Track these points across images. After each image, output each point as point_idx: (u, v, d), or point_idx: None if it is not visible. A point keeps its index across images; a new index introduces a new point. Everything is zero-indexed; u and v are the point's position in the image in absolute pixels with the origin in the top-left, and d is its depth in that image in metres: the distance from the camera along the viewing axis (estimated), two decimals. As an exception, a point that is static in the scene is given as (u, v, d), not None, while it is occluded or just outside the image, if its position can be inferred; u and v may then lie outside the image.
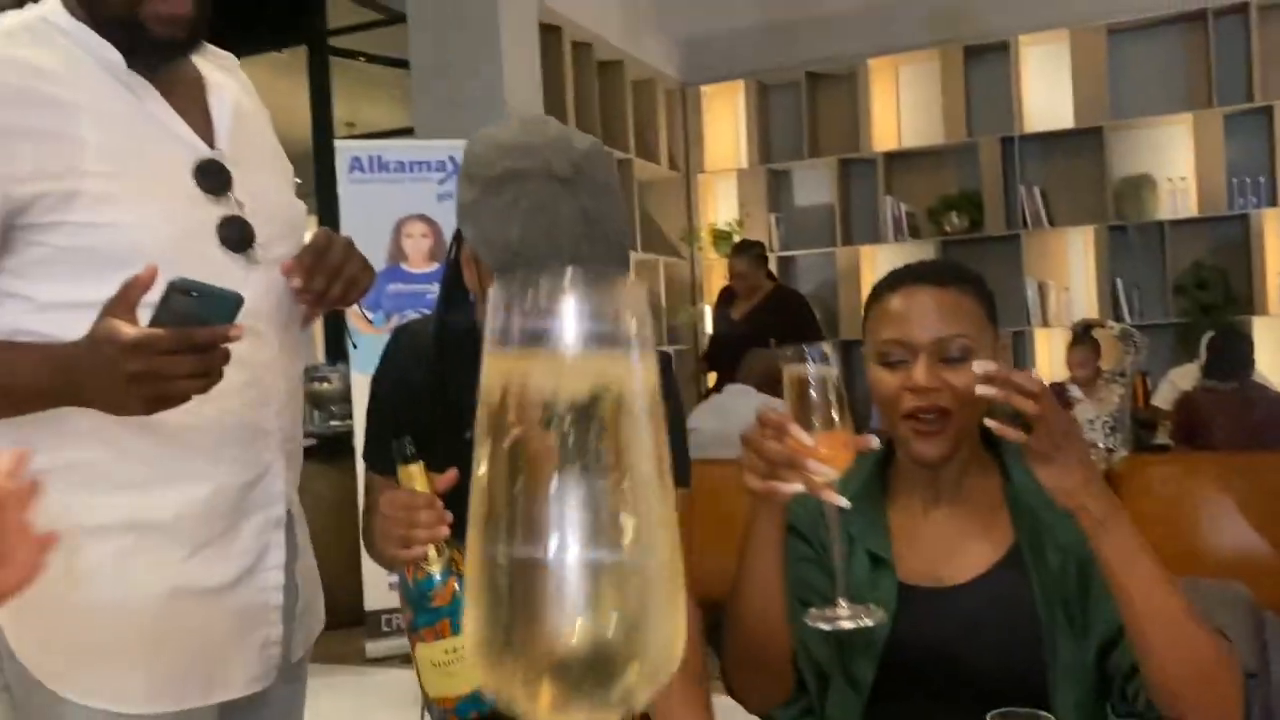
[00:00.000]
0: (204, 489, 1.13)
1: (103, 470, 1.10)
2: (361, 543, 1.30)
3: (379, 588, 3.74)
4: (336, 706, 3.22)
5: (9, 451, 0.74)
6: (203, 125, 1.16)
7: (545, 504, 0.38)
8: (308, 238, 1.21)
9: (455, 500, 1.03)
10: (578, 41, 5.10)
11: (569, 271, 0.39)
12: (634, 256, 5.09)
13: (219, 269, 1.09)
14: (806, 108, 6.08)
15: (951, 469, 1.17)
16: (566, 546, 0.37)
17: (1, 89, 1.04)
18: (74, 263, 1.06)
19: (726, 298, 5.19)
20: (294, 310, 1.22)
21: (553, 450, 0.38)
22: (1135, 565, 0.99)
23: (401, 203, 3.89)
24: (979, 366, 0.98)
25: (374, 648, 3.87)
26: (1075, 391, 4.01)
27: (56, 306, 1.06)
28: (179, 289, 0.97)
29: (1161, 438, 4.47)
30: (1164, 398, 4.62)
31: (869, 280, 5.73)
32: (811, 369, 1.00)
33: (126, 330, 0.95)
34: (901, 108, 6.04)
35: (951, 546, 1.16)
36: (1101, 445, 3.71)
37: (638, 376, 0.39)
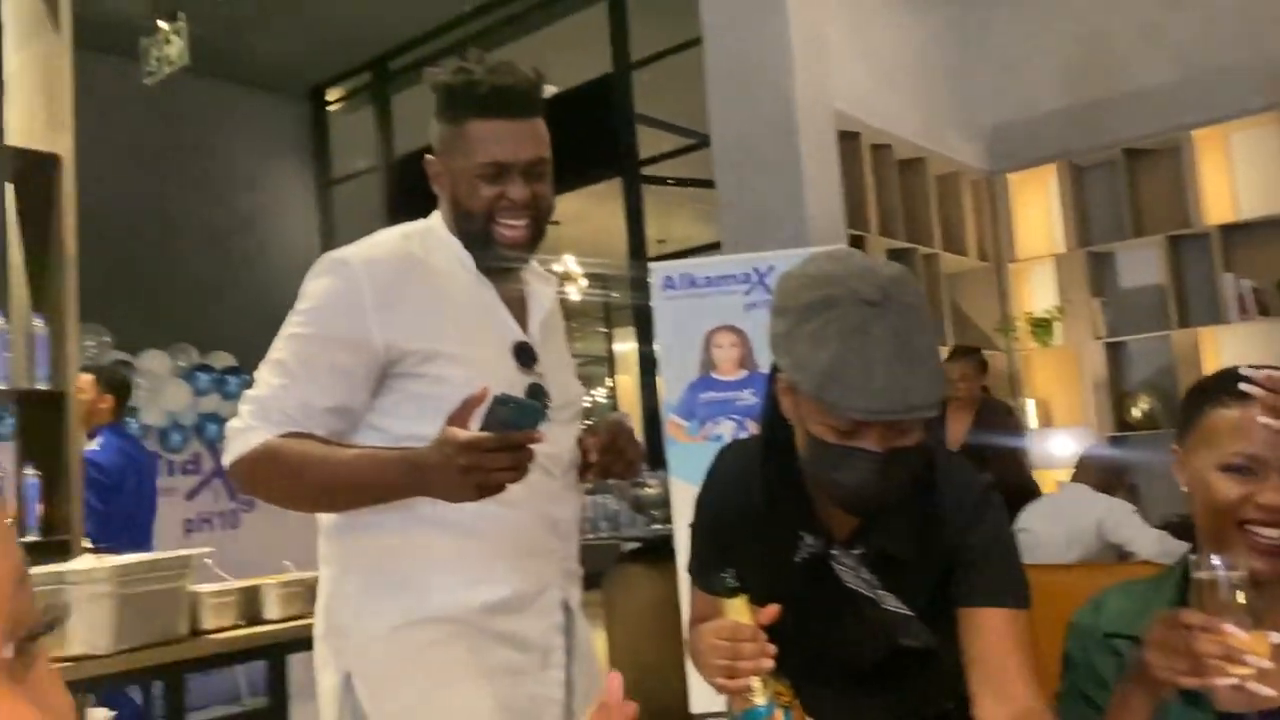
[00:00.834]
0: (504, 591, 1.44)
1: (431, 567, 1.42)
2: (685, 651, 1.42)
3: (705, 688, 3.81)
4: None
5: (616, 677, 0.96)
6: (520, 316, 1.55)
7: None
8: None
9: (777, 632, 1.17)
10: (876, 145, 5.16)
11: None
12: (945, 352, 4.99)
13: None
14: (1126, 186, 5.76)
15: (1276, 587, 1.13)
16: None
17: (398, 271, 1.43)
18: (423, 406, 1.39)
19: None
20: (575, 458, 1.56)
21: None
22: None
23: (711, 314, 4.07)
24: None
25: (699, 749, 3.93)
26: None
27: (404, 439, 1.39)
28: (500, 401, 1.24)
29: None
30: None
31: (1211, 363, 5.26)
32: (1221, 575, 1.06)
33: (461, 433, 1.25)
34: (1237, 177, 5.59)
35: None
36: None
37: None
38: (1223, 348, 5.42)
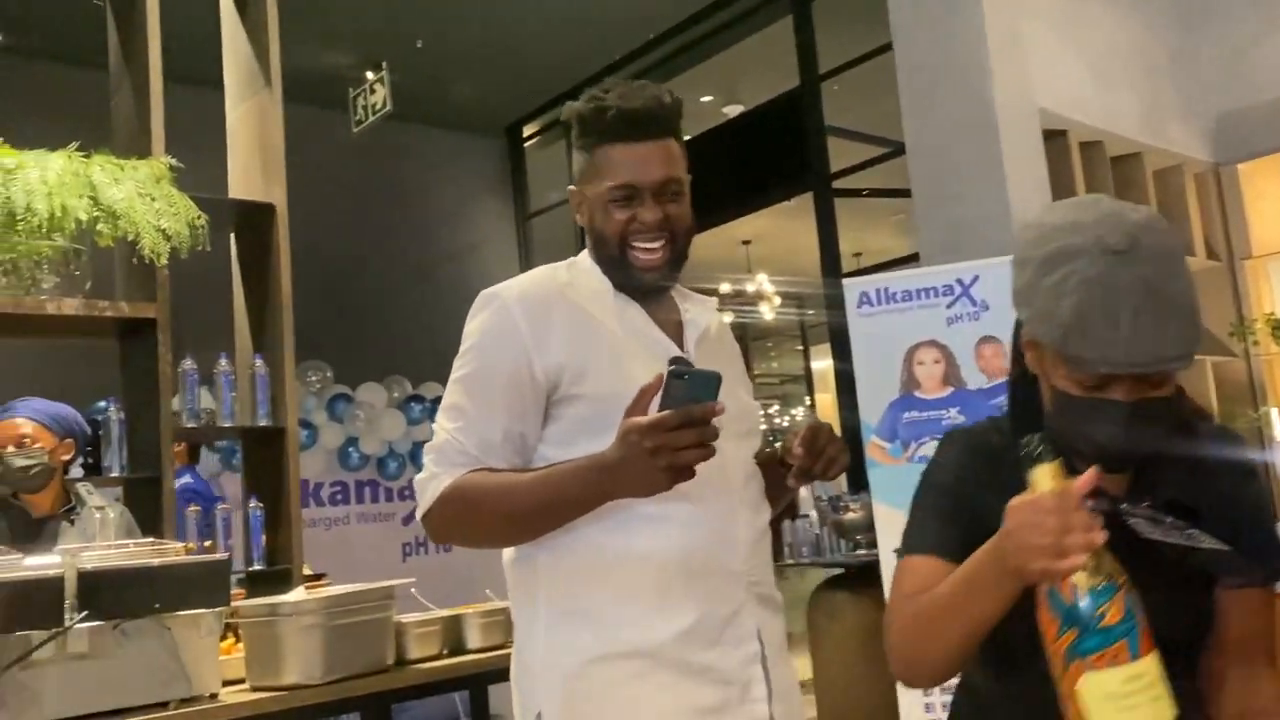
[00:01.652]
0: (690, 616, 1.38)
1: (614, 596, 1.38)
2: (912, 630, 1.23)
3: (914, 713, 3.63)
4: None
5: None
6: (676, 337, 1.52)
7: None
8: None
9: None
10: (1086, 142, 4.84)
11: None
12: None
13: None
14: (1381, 168, 5.17)
15: None
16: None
17: (546, 299, 1.45)
18: (587, 426, 1.38)
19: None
20: (752, 472, 1.52)
21: None
22: None
23: (911, 330, 3.90)
24: None
25: (914, 786, 3.74)
26: None
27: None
28: (674, 374, 1.23)
29: None
30: None
31: None
32: None
33: (642, 418, 1.23)
34: None
35: None
36: None
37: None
38: None
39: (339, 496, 6.85)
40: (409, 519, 6.64)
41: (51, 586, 1.98)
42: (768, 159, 6.86)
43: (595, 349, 1.43)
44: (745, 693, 1.40)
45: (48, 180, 2.89)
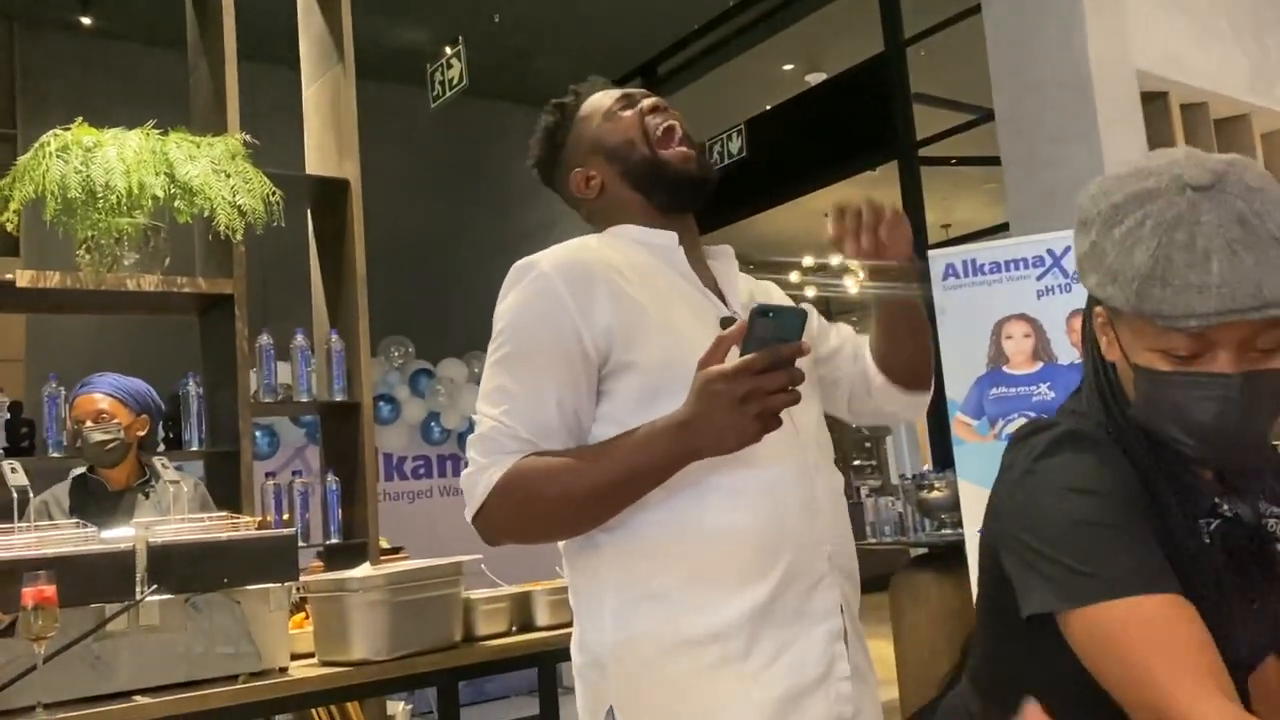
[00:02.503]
0: (768, 596, 1.26)
1: (686, 575, 1.27)
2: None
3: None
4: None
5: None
6: (717, 295, 1.42)
7: None
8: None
9: None
10: (1188, 104, 4.59)
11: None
12: None
13: None
14: None
15: None
16: None
17: (585, 265, 1.33)
18: (643, 394, 1.27)
19: None
20: (820, 429, 1.42)
21: None
22: None
23: (1000, 304, 3.75)
24: None
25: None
26: None
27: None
28: (759, 312, 1.11)
29: None
30: None
31: None
32: None
33: (726, 365, 1.12)
34: None
35: None
36: None
37: None
38: None
39: (421, 470, 6.94)
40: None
41: (124, 560, 2.01)
42: (851, 127, 6.68)
43: (642, 313, 1.31)
44: (829, 671, 1.28)
45: (125, 157, 2.93)
